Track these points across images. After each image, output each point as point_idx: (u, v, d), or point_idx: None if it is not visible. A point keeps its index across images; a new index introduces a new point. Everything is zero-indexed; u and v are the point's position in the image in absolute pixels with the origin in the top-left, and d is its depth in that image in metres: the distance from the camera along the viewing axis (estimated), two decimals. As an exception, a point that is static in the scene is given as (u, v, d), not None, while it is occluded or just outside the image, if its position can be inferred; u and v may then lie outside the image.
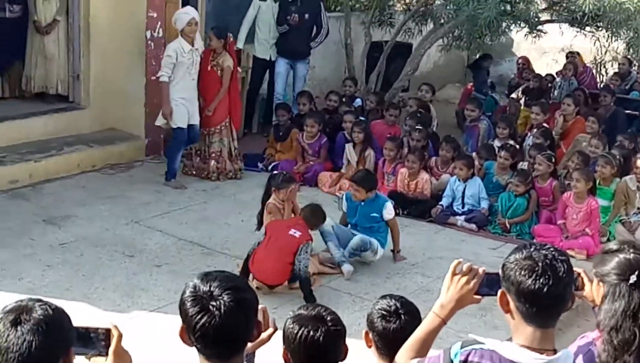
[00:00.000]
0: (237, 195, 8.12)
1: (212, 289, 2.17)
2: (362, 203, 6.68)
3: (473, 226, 7.68)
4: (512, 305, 2.37)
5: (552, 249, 2.40)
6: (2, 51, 8.60)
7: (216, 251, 6.73)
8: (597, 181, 7.62)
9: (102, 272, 6.17)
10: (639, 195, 7.72)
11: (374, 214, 6.65)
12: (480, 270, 2.54)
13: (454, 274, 2.55)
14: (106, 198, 7.68)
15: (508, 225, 7.60)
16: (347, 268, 6.39)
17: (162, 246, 6.75)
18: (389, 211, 6.67)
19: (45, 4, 8.58)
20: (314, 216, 6.19)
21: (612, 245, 2.80)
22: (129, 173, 8.44)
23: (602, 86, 12.04)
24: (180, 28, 7.97)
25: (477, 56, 12.23)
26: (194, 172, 8.48)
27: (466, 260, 7.06)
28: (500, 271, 2.45)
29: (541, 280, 2.31)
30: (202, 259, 6.55)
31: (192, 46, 7.97)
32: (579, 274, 2.78)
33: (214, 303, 2.14)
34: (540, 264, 2.33)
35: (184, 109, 8.00)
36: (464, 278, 2.52)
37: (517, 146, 8.68)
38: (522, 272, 2.34)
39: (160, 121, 8.16)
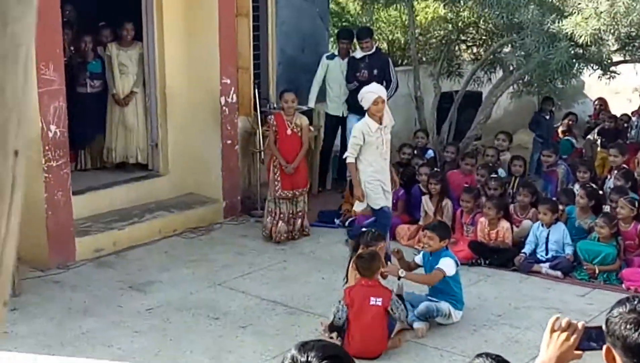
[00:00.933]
0: (316, 252, 8.15)
1: (309, 359, 2.16)
2: (431, 257, 6.55)
3: (558, 273, 7.51)
4: (618, 360, 2.29)
5: None
6: (85, 125, 8.92)
7: (299, 309, 6.74)
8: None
9: (189, 336, 6.23)
10: None
11: None
12: (580, 325, 2.46)
13: (552, 330, 2.46)
14: (189, 262, 7.80)
15: (597, 271, 7.40)
16: (417, 325, 6.27)
17: (245, 307, 6.79)
18: (443, 262, 6.38)
19: (122, 77, 8.91)
20: (367, 267, 5.99)
21: None
22: (209, 236, 8.57)
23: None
24: (366, 107, 7.50)
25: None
26: (285, 236, 8.33)
27: (554, 309, 6.94)
28: (604, 326, 2.38)
29: None
30: (285, 319, 6.57)
31: (381, 124, 7.42)
32: None
33: None
34: None
35: (381, 190, 7.47)
36: (564, 334, 2.44)
37: (598, 190, 8.50)
38: (628, 326, 2.26)
39: (359, 207, 7.63)
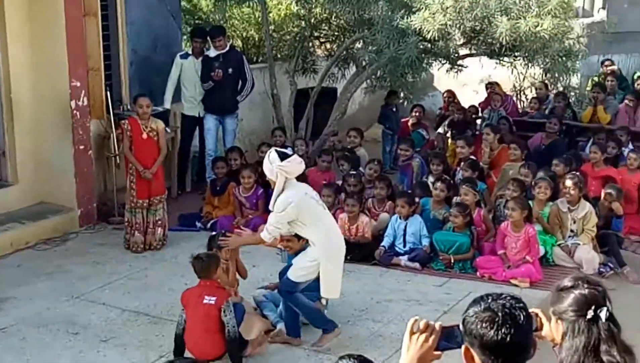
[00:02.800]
0: (178, 257, 8.00)
1: None
2: (293, 258, 6.43)
3: (417, 264, 7.74)
4: (477, 359, 2.39)
5: (509, 297, 2.44)
6: None
7: (163, 318, 6.60)
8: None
9: (48, 354, 5.97)
10: (570, 217, 7.91)
11: None
12: (437, 326, 2.54)
13: (412, 333, 2.53)
14: (44, 275, 7.48)
15: (452, 261, 7.67)
16: (280, 326, 6.23)
17: (106, 319, 6.59)
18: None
19: (-36, 83, 8.43)
20: (203, 268, 5.84)
21: (567, 282, 2.86)
22: (64, 247, 8.24)
23: (522, 111, 12.33)
24: None
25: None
26: (142, 247, 8.07)
27: (414, 300, 7.11)
28: (461, 326, 2.47)
29: (503, 330, 2.34)
30: (149, 329, 6.42)
31: None
32: (536, 314, 2.82)
33: None
34: (500, 314, 2.36)
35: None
36: (423, 336, 2.51)
37: (451, 181, 8.81)
38: (483, 324, 2.37)
39: None
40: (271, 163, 5.82)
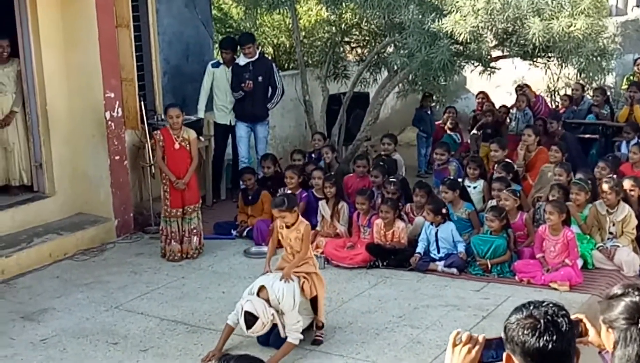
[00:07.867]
0: (214, 266, 8.04)
1: None
2: None
3: (454, 270, 7.66)
4: None
5: (551, 305, 2.40)
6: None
7: (201, 327, 6.62)
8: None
9: (88, 364, 6.03)
10: (609, 219, 7.80)
11: None
12: (480, 337, 2.51)
13: (454, 345, 2.50)
14: (83, 286, 7.54)
15: (490, 265, 7.60)
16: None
17: (145, 329, 6.62)
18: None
19: (1, 96, 8.53)
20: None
21: (617, 290, 2.81)
22: (102, 257, 8.31)
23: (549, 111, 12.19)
24: None
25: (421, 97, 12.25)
26: (179, 256, 8.13)
27: (452, 306, 7.04)
28: (502, 334, 2.44)
29: (545, 337, 2.31)
30: (187, 338, 6.44)
31: None
32: (580, 320, 2.78)
33: None
34: (542, 321, 2.33)
35: None
36: (465, 348, 2.48)
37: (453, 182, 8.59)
38: (525, 331, 2.34)
39: None
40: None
